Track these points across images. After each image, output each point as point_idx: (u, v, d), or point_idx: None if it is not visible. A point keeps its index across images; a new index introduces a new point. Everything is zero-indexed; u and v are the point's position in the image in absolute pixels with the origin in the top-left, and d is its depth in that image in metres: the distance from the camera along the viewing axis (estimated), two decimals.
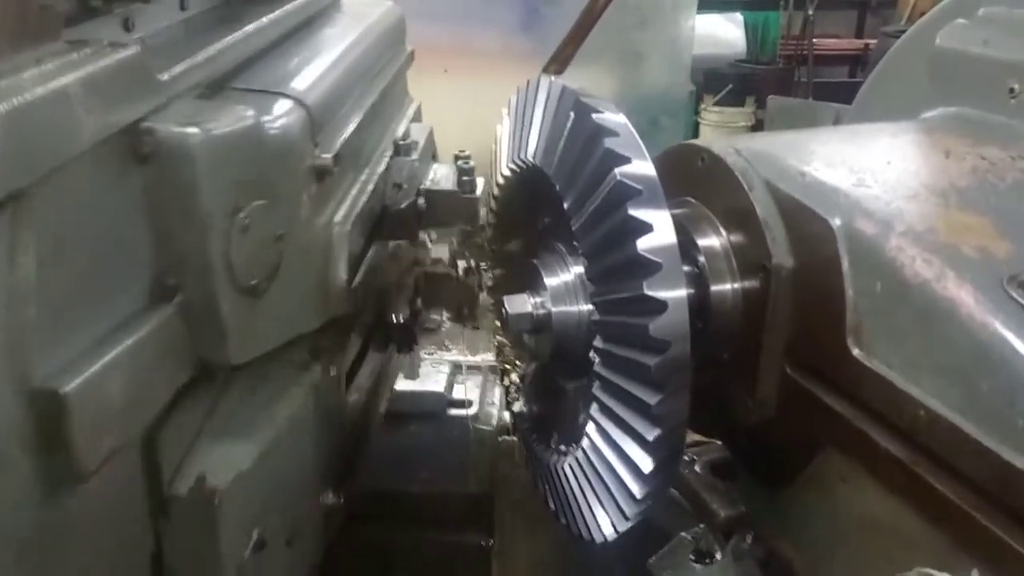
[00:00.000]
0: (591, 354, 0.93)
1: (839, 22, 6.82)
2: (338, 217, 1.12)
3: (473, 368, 1.82)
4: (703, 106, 5.83)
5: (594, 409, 0.93)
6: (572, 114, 0.94)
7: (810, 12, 6.33)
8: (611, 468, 0.91)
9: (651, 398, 0.85)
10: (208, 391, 0.94)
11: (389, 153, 1.31)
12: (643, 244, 0.85)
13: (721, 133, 5.55)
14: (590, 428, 0.94)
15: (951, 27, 1.25)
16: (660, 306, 0.84)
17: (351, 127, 1.17)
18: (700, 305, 1.03)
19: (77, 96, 0.67)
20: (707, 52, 6.46)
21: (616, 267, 0.88)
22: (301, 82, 1.07)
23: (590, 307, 0.94)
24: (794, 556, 1.05)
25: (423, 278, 1.39)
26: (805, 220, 0.95)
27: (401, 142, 1.28)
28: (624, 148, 0.89)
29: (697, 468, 1.19)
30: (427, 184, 1.32)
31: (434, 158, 1.52)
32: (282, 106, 1.00)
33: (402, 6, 1.64)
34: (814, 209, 0.93)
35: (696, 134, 5.67)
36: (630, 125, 0.93)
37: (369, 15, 1.45)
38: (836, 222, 0.91)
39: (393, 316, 1.32)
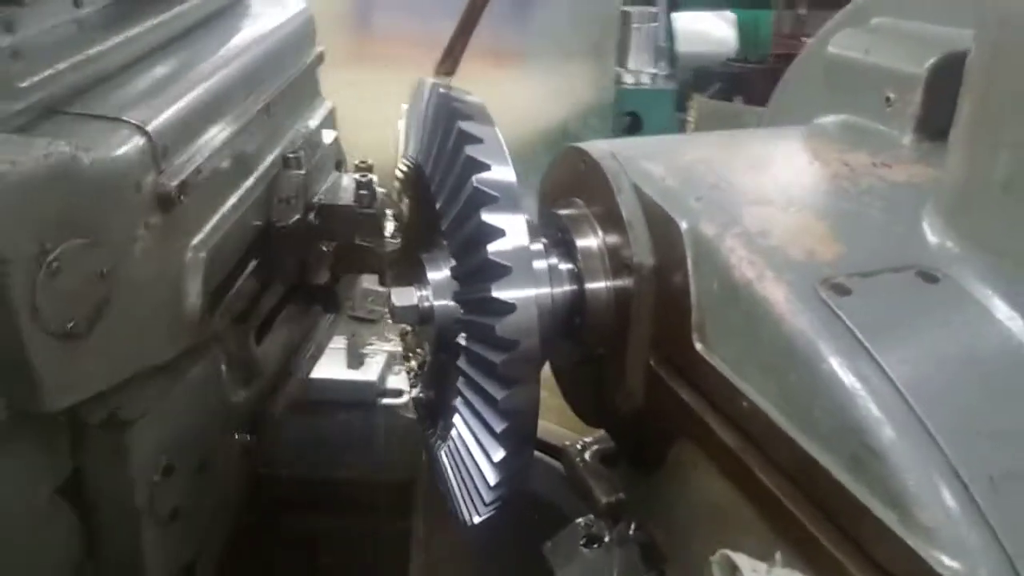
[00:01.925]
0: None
1: None
2: (194, 242, 1.12)
3: None
4: (690, 104, 5.86)
5: (458, 401, 0.99)
6: (443, 119, 1.00)
7: (802, 11, 6.34)
8: (471, 456, 0.98)
9: (498, 393, 0.91)
10: None
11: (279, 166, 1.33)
12: (493, 248, 0.90)
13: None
14: (456, 418, 1.00)
15: (842, 35, 1.30)
16: (508, 307, 0.90)
17: (213, 148, 1.16)
18: (577, 302, 1.09)
19: None
20: (697, 50, 6.49)
21: (472, 269, 0.94)
22: (149, 104, 1.07)
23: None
24: (662, 541, 1.11)
25: (346, 245, 1.41)
26: (661, 222, 1.00)
27: (291, 155, 1.29)
28: (486, 155, 0.95)
29: (587, 456, 1.25)
30: (321, 197, 1.34)
31: (339, 167, 1.54)
32: (115, 134, 0.99)
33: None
34: (667, 211, 0.99)
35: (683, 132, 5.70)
36: (497, 131, 0.99)
37: (271, 17, 1.45)
38: (684, 224, 0.97)
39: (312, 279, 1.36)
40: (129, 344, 1.03)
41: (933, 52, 1.12)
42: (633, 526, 1.20)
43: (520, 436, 0.94)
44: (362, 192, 1.30)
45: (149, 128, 1.03)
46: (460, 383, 0.97)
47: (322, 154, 1.44)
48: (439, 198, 1.00)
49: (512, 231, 0.92)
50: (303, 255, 1.32)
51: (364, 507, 1.58)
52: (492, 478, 0.95)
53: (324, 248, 1.36)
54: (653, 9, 4.63)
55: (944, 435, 0.72)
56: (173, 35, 1.21)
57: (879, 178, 1.06)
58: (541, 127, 3.10)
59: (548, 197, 1.23)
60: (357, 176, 1.32)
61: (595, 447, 1.26)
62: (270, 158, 1.35)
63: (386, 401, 1.74)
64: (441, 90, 1.04)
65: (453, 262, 1.05)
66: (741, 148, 1.16)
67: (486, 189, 0.92)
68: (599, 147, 1.13)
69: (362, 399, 1.72)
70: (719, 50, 6.62)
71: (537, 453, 1.56)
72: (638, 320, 1.04)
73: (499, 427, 0.92)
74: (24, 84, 0.87)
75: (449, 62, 1.12)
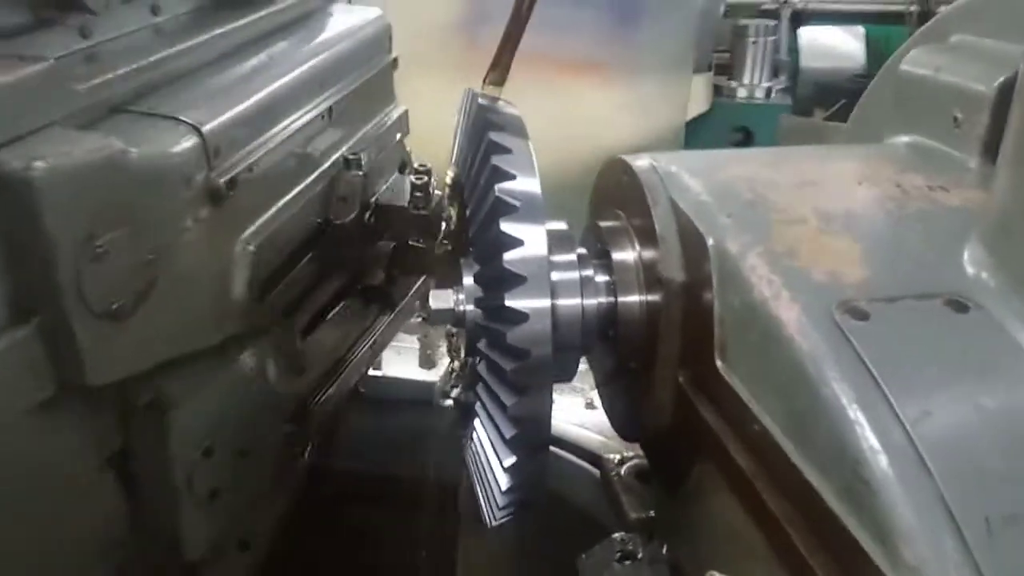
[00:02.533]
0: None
1: None
2: (244, 235, 1.19)
3: None
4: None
5: (478, 404, 1.00)
6: (478, 129, 1.02)
7: None
8: (487, 459, 0.99)
9: (508, 400, 0.92)
10: None
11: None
12: (509, 257, 0.91)
13: None
14: (476, 422, 1.01)
15: (916, 52, 1.25)
16: (521, 316, 0.91)
17: (268, 148, 1.23)
18: (610, 315, 1.09)
19: None
20: (821, 65, 6.29)
21: (491, 276, 0.95)
22: (207, 106, 1.14)
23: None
24: (685, 562, 1.09)
25: (401, 247, 1.46)
26: (692, 237, 0.99)
27: (351, 156, 1.34)
28: (512, 165, 0.96)
29: (623, 471, 1.24)
30: (378, 198, 1.39)
31: (402, 169, 1.58)
32: (168, 132, 1.06)
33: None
34: (697, 227, 0.98)
35: None
36: (528, 144, 1.00)
37: (342, 26, 1.51)
38: (710, 241, 0.95)
39: (368, 280, 1.41)
40: (173, 327, 1.10)
41: (1004, 71, 1.06)
42: (666, 546, 1.18)
43: (531, 443, 0.95)
44: (417, 194, 1.35)
45: (204, 128, 1.10)
46: (479, 387, 0.99)
47: (384, 156, 1.49)
48: (469, 205, 1.02)
49: (531, 241, 0.92)
50: (359, 252, 1.37)
51: (418, 505, 1.61)
52: (504, 482, 0.96)
53: (381, 248, 1.41)
54: (771, 22, 4.52)
55: (944, 471, 0.69)
56: (244, 41, 1.28)
57: (931, 202, 1.01)
58: (616, 141, 3.08)
59: (595, 208, 1.23)
60: (413, 179, 1.36)
61: (633, 462, 1.25)
62: (331, 158, 1.41)
63: (449, 402, 1.76)
64: (480, 101, 1.05)
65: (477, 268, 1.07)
66: (791, 166, 1.12)
67: (507, 199, 0.93)
68: (642, 159, 1.12)
69: (426, 399, 1.75)
70: (845, 65, 6.39)
71: (587, 465, 1.56)
72: (666, 336, 1.03)
73: (509, 433, 0.93)
74: (83, 87, 0.94)
75: (498, 72, 1.14)
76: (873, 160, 1.14)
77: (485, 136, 0.99)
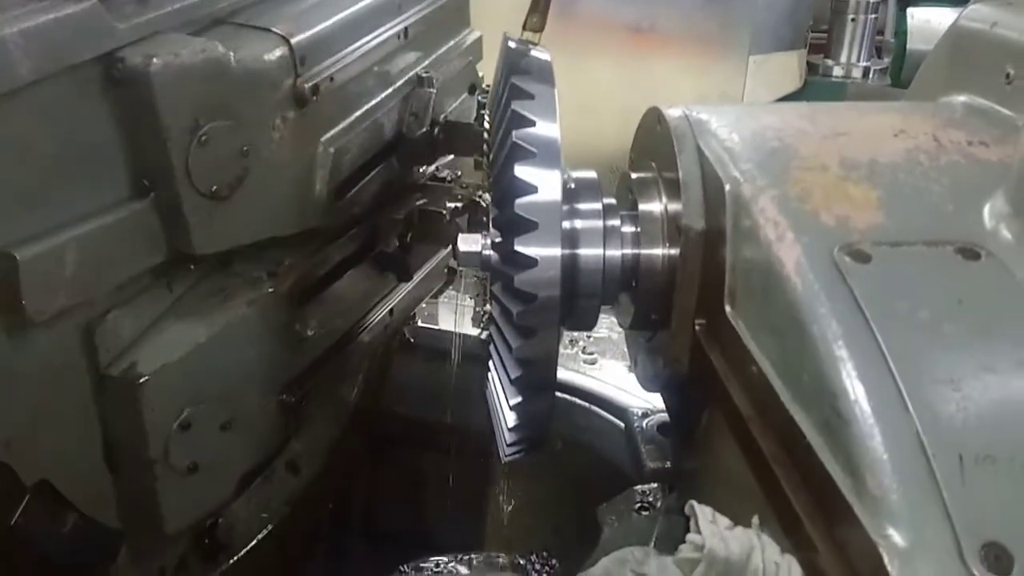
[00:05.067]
0: None
1: None
2: (325, 138, 1.29)
3: None
4: None
5: (491, 346, 1.02)
6: (506, 73, 1.04)
7: None
8: (497, 399, 1.01)
9: (514, 341, 0.94)
10: (167, 293, 1.13)
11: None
12: (521, 203, 0.93)
13: None
14: (490, 362, 1.04)
15: (975, 7, 1.20)
16: (530, 261, 0.92)
17: (348, 61, 1.34)
18: (633, 267, 1.09)
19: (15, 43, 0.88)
20: (930, 48, 6.02)
21: (505, 221, 0.96)
22: (296, 21, 1.25)
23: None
24: None
25: (416, 213, 1.52)
26: (712, 184, 0.98)
27: (424, 75, 1.41)
28: (532, 111, 0.97)
29: (645, 424, 1.24)
30: (447, 115, 1.46)
31: (472, 90, 1.63)
32: (262, 41, 1.18)
33: None
34: (717, 173, 0.97)
35: None
36: (552, 90, 1.00)
37: None
38: (727, 186, 0.94)
39: (383, 246, 1.46)
40: (264, 212, 1.22)
41: None
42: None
43: (535, 384, 0.96)
44: (482, 112, 1.41)
45: (293, 40, 1.22)
46: (492, 329, 1.01)
47: (455, 77, 1.58)
48: (491, 149, 1.03)
49: (544, 188, 0.93)
50: (428, 164, 1.44)
51: (456, 449, 1.66)
52: (511, 420, 0.98)
53: (394, 217, 1.47)
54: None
55: (923, 408, 0.68)
56: None
57: (965, 156, 0.98)
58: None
59: (632, 160, 1.24)
60: (480, 97, 1.43)
61: (658, 415, 1.25)
62: (406, 76, 1.51)
63: None
64: (510, 45, 1.07)
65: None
66: (829, 118, 1.10)
67: (523, 144, 0.94)
68: (676, 109, 1.11)
69: (470, 352, 1.79)
70: None
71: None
72: (684, 285, 1.02)
73: (514, 374, 0.95)
74: (127, 24, 1.02)
75: (536, 18, 1.15)
76: (916, 115, 1.11)
77: (509, 81, 1.00)
